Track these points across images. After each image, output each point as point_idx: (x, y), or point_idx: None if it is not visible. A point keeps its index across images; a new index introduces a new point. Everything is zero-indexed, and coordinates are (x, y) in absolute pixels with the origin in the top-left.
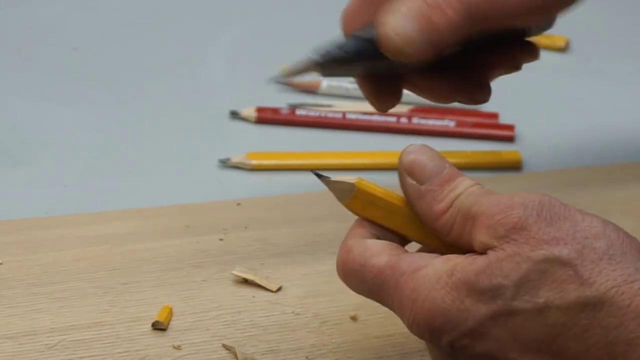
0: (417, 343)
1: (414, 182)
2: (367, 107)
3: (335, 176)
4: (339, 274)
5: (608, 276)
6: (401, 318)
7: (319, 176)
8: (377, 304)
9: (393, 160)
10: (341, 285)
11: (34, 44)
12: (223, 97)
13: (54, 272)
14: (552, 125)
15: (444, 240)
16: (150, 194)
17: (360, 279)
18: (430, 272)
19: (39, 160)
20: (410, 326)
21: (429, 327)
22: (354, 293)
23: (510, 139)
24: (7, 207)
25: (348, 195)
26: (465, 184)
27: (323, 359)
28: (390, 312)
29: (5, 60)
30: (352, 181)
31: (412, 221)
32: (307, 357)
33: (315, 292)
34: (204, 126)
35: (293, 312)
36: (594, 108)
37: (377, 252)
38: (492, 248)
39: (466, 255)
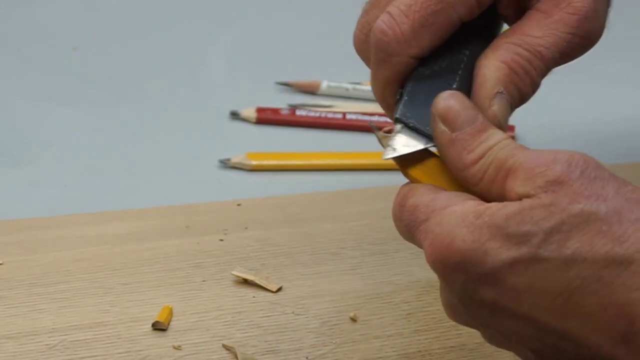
0: (417, 343)
1: (446, 129)
2: (367, 107)
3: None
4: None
5: (639, 239)
6: (426, 255)
7: (372, 127)
8: (377, 304)
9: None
10: (341, 285)
11: (34, 44)
12: (223, 97)
13: (55, 272)
14: (552, 125)
15: (472, 190)
16: (150, 194)
17: (400, 220)
18: (459, 210)
19: (39, 160)
20: (428, 260)
21: (444, 264)
22: (354, 293)
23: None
24: (7, 207)
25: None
26: (498, 136)
27: (323, 359)
28: (391, 312)
29: (5, 60)
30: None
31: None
32: (307, 357)
33: (315, 292)
34: (204, 126)
35: (293, 313)
36: (594, 108)
37: (416, 190)
38: (528, 197)
39: (496, 203)
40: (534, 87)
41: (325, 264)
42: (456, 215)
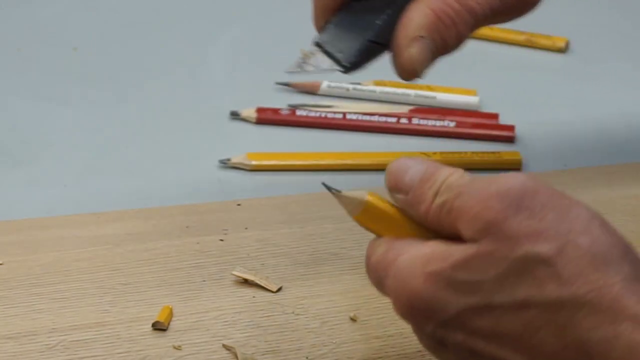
0: (416, 343)
1: (401, 196)
2: (367, 107)
3: (345, 191)
4: None
5: (588, 278)
6: (394, 308)
7: (329, 189)
8: (377, 304)
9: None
10: (341, 285)
11: (34, 44)
12: (223, 97)
13: (55, 272)
14: (552, 126)
15: (444, 236)
16: (150, 194)
17: (370, 277)
18: (408, 258)
19: (39, 160)
20: (397, 313)
21: (411, 315)
22: (354, 293)
23: (510, 140)
24: (7, 207)
25: (358, 209)
26: (441, 177)
27: (323, 359)
28: (390, 312)
29: (5, 60)
30: (363, 197)
31: (419, 231)
32: (307, 357)
33: (315, 292)
34: (204, 126)
35: (293, 313)
36: (594, 108)
37: (374, 249)
38: (474, 241)
39: (446, 241)
40: (460, 39)
41: (325, 264)
42: (405, 265)
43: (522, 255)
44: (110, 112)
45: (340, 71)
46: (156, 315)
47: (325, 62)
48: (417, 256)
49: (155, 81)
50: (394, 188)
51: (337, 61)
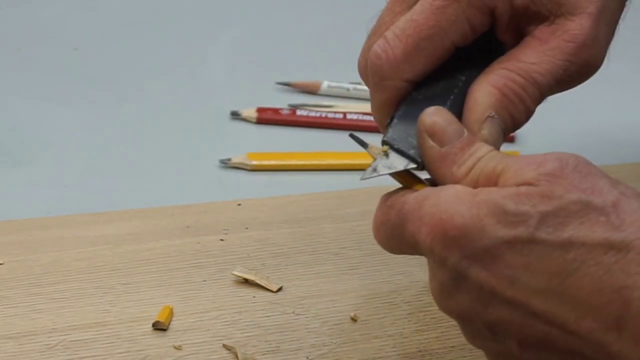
0: (417, 343)
1: (434, 144)
2: (368, 107)
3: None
4: (373, 233)
5: (639, 228)
6: (419, 238)
7: (361, 143)
8: (377, 304)
9: None
10: (341, 285)
11: (34, 44)
12: (223, 97)
13: (55, 272)
14: (552, 125)
15: None
16: (150, 194)
17: (387, 224)
18: (452, 191)
19: (39, 160)
20: (424, 241)
21: (442, 239)
22: (354, 293)
23: (510, 139)
24: (7, 207)
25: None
26: (485, 148)
27: (323, 359)
28: (391, 312)
29: (5, 60)
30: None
31: None
32: (307, 357)
33: (315, 292)
34: (205, 126)
35: (293, 312)
36: (594, 108)
37: (400, 194)
38: (526, 184)
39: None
40: (528, 113)
41: (325, 264)
42: (451, 195)
43: (576, 200)
44: (110, 112)
45: (415, 169)
46: (156, 315)
47: (398, 161)
48: (465, 189)
49: (155, 81)
50: (431, 133)
51: (410, 158)
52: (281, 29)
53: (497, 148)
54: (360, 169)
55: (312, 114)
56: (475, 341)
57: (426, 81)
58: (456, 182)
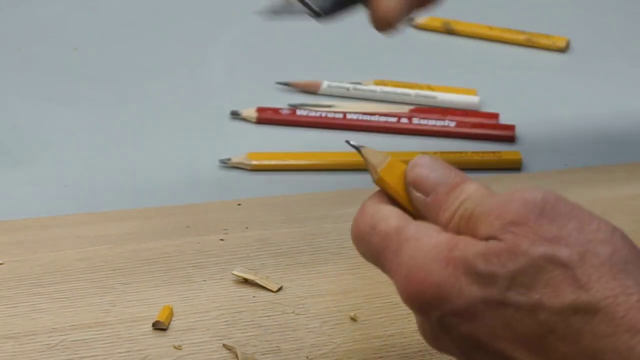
0: (417, 343)
1: (420, 195)
2: (367, 107)
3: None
4: (351, 237)
5: (607, 284)
6: (396, 285)
7: (354, 147)
8: (377, 304)
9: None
10: (341, 285)
11: (34, 44)
12: (223, 97)
13: (55, 272)
14: (552, 126)
15: None
16: (150, 194)
17: (368, 242)
18: (433, 242)
19: (39, 160)
20: (402, 294)
21: (420, 299)
22: (354, 293)
23: (510, 139)
24: (7, 207)
25: (383, 163)
26: (469, 189)
27: (323, 359)
28: (391, 312)
29: (5, 60)
30: (387, 155)
31: None
32: (307, 357)
33: (315, 292)
34: (205, 126)
35: (293, 312)
36: (594, 108)
37: (387, 216)
38: (493, 238)
39: (469, 236)
40: None
41: (326, 264)
42: (430, 247)
43: (541, 255)
44: (110, 112)
45: (313, 18)
46: (156, 315)
47: (299, 8)
48: (444, 241)
49: (155, 81)
50: (415, 185)
51: (311, 9)
52: (281, 29)
53: (401, 19)
54: (360, 168)
55: (312, 113)
56: None
57: None
58: (443, 227)
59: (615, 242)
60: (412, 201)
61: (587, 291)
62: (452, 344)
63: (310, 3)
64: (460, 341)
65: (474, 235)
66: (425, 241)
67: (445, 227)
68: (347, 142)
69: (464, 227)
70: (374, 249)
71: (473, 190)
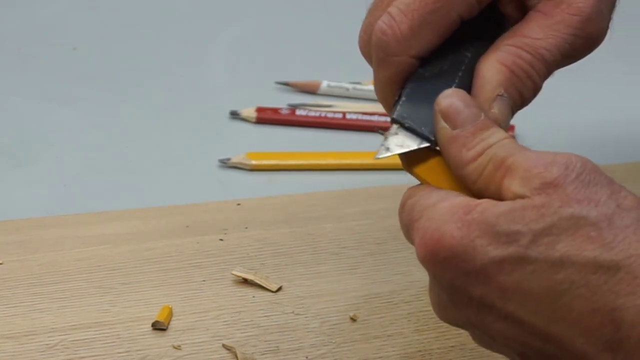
0: (417, 343)
1: (447, 126)
2: (367, 107)
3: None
4: None
5: (630, 245)
6: (416, 250)
7: (381, 132)
8: (377, 304)
9: (393, 160)
10: (341, 285)
11: (34, 44)
12: (223, 97)
13: (54, 272)
14: (552, 125)
15: (470, 188)
16: (150, 194)
17: (400, 220)
18: (448, 205)
19: (39, 160)
20: (419, 256)
21: (433, 259)
22: (354, 293)
23: None
24: (7, 207)
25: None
26: (499, 134)
27: (323, 359)
28: (390, 312)
29: (5, 60)
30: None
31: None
32: (307, 357)
33: (315, 292)
34: (204, 126)
35: (293, 312)
36: (594, 108)
37: (414, 193)
38: (522, 197)
39: (488, 200)
40: (536, 89)
41: (325, 264)
42: (445, 210)
43: (570, 215)
44: (110, 112)
45: (429, 146)
46: (156, 314)
47: (410, 139)
48: (461, 204)
49: (155, 81)
50: (445, 114)
51: (422, 136)
52: (281, 29)
53: (506, 126)
54: (360, 168)
55: (312, 113)
56: (482, 345)
57: (432, 57)
58: (464, 165)
59: None
60: (436, 130)
61: (611, 249)
62: (461, 311)
63: (422, 131)
64: (469, 307)
65: (500, 184)
66: (441, 205)
67: (467, 164)
68: (375, 129)
69: (491, 171)
70: (404, 226)
71: (503, 137)
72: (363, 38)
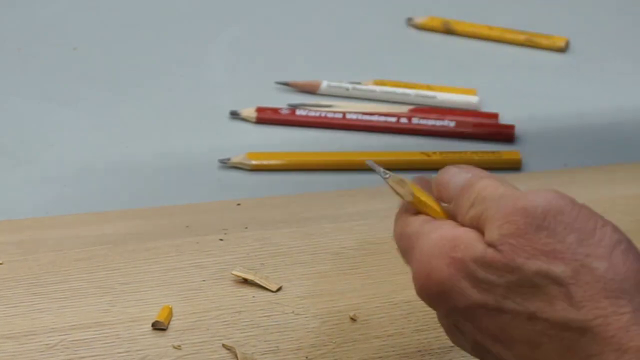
0: (417, 343)
1: (446, 205)
2: (367, 107)
3: (392, 177)
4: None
5: (598, 303)
6: (413, 282)
7: (382, 173)
8: (377, 304)
9: (393, 160)
10: (341, 285)
11: (34, 44)
12: (223, 97)
13: (54, 272)
14: (551, 126)
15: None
16: (150, 194)
17: (398, 248)
18: (436, 237)
19: (39, 160)
20: (415, 287)
21: (427, 294)
22: (354, 293)
23: (510, 139)
24: (7, 207)
25: (409, 198)
26: (478, 187)
27: (323, 359)
28: (390, 312)
29: (5, 60)
30: (409, 196)
31: None
32: (307, 357)
33: (315, 292)
34: (204, 126)
35: (293, 312)
36: (594, 108)
37: (410, 222)
38: (493, 246)
39: (474, 231)
40: None
41: (325, 264)
42: (434, 243)
43: (536, 271)
44: (110, 112)
45: None
46: (156, 314)
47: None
48: (447, 237)
49: (155, 81)
50: (438, 195)
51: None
52: (281, 29)
53: None
54: (360, 168)
55: (312, 113)
56: None
57: None
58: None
59: (614, 257)
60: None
61: (579, 310)
62: (462, 338)
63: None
64: (468, 337)
65: (482, 233)
66: (432, 236)
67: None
68: (369, 163)
69: (476, 228)
70: (402, 253)
71: (482, 188)
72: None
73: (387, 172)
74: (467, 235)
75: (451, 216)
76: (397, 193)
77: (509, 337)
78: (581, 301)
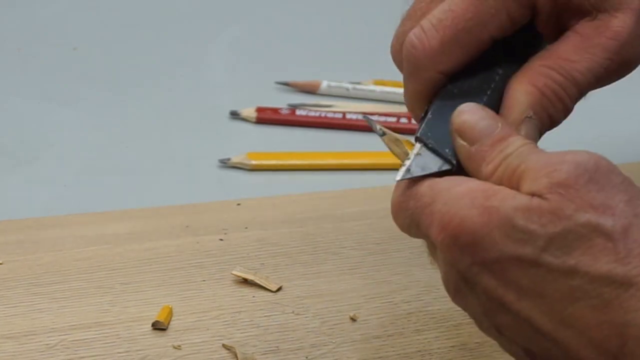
0: (417, 343)
1: (464, 143)
2: (367, 107)
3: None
4: (391, 214)
5: None
6: (430, 235)
7: (370, 122)
8: (377, 304)
9: (393, 160)
10: (341, 285)
11: (34, 44)
12: (223, 97)
13: (54, 272)
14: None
15: None
16: (150, 194)
17: (405, 209)
18: (465, 189)
19: (39, 160)
20: (436, 240)
21: (454, 243)
22: (354, 293)
23: None
24: (7, 207)
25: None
26: (516, 143)
27: (323, 359)
28: (390, 312)
29: (5, 60)
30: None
31: None
32: (307, 357)
33: (315, 292)
34: (204, 126)
35: (293, 312)
36: (594, 108)
37: (420, 181)
38: (538, 195)
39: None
40: (566, 112)
41: (325, 264)
42: (462, 194)
43: (585, 222)
44: (110, 112)
45: (449, 171)
46: (156, 314)
47: (432, 161)
48: (479, 188)
49: (155, 81)
50: (460, 132)
51: (445, 159)
52: (281, 29)
53: None
54: (360, 168)
55: (312, 113)
56: (489, 336)
57: (462, 74)
58: (484, 180)
59: None
60: (455, 148)
61: (625, 264)
62: (474, 298)
63: (444, 153)
64: (483, 296)
65: (516, 189)
66: (457, 189)
67: (486, 180)
68: (366, 117)
69: (506, 181)
70: (411, 213)
71: (520, 145)
72: (395, 47)
73: (384, 129)
74: (500, 187)
75: (464, 157)
76: (393, 152)
77: (539, 293)
78: (627, 256)
